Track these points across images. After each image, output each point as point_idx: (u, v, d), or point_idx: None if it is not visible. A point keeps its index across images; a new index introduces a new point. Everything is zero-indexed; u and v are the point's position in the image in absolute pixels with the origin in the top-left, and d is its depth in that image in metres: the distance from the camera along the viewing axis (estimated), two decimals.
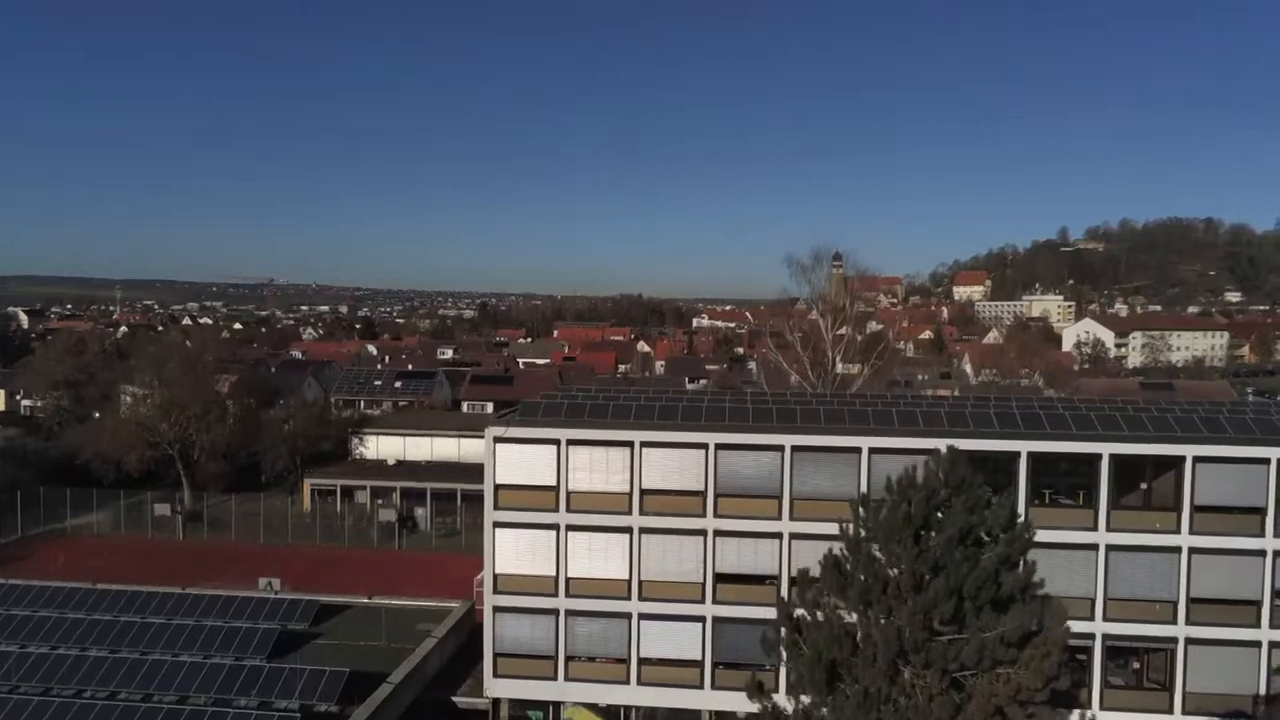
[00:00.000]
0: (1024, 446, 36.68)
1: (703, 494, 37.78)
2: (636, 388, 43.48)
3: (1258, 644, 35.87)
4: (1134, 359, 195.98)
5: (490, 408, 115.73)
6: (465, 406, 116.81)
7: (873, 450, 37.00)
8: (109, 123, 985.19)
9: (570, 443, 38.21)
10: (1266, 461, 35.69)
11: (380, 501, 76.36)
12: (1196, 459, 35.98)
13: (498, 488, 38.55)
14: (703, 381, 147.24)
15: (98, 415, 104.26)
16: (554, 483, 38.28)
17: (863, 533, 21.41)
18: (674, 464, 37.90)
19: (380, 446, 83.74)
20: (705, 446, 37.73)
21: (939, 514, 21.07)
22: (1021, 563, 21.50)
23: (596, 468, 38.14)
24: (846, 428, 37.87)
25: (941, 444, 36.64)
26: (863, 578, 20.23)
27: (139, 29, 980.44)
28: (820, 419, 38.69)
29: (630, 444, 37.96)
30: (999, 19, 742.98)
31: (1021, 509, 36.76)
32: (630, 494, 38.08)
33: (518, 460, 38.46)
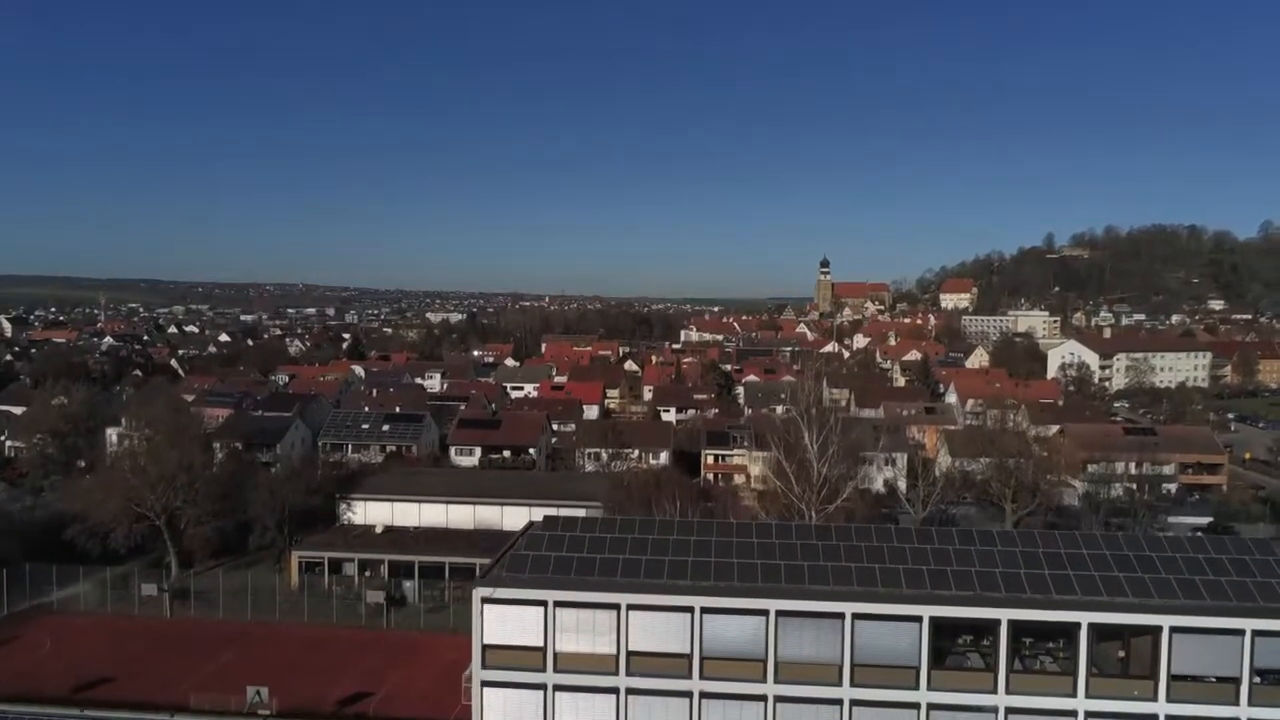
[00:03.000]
0: (1004, 615, 37.25)
1: (689, 656, 38.20)
2: (622, 528, 43.72)
3: None
4: (1118, 380, 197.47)
5: (478, 453, 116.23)
6: (453, 450, 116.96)
7: (856, 616, 37.54)
8: (96, 120, 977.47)
9: (558, 604, 38.53)
10: (1241, 633, 36.37)
11: (368, 574, 76.47)
12: (1173, 629, 36.62)
13: (485, 648, 38.81)
14: (691, 412, 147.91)
15: (82, 464, 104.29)
16: (541, 644, 38.61)
17: None
18: (660, 626, 38.27)
19: (368, 512, 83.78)
20: (691, 610, 38.14)
21: None
22: None
23: (584, 629, 38.46)
24: (830, 590, 38.29)
25: (925, 611, 37.57)
26: None
27: (129, 25, 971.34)
28: (804, 577, 39.07)
29: (617, 606, 38.31)
30: (986, 28, 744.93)
31: (1003, 676, 37.54)
32: (617, 655, 38.43)
33: (505, 621, 38.71)
